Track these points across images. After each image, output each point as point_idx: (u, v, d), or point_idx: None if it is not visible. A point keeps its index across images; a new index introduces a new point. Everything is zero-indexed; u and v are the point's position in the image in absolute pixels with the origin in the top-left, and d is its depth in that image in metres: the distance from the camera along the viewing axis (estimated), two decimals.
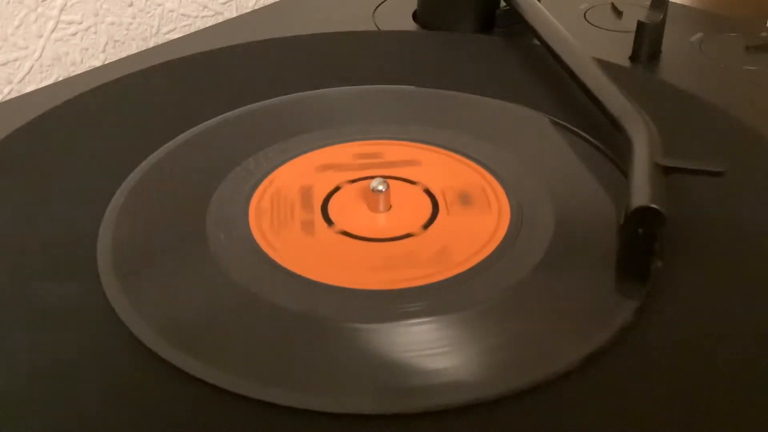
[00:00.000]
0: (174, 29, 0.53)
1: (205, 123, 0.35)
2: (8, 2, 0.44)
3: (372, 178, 0.31)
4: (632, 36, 0.42)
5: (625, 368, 0.24)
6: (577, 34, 0.39)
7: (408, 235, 0.29)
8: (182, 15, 0.53)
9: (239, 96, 0.37)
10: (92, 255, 0.28)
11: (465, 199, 0.30)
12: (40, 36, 0.46)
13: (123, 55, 0.48)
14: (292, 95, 0.38)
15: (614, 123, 0.33)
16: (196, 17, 0.53)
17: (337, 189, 0.31)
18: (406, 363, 0.24)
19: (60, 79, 0.47)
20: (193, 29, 0.53)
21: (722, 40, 0.44)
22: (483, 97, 0.37)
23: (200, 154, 0.34)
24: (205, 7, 0.53)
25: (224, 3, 0.55)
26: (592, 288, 0.27)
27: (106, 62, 0.47)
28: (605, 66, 0.37)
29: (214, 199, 0.31)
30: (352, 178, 0.32)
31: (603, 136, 0.34)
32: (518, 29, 0.45)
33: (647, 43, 0.42)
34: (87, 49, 0.49)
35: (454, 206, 0.30)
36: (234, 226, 0.30)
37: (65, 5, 0.47)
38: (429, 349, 0.24)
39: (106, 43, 0.49)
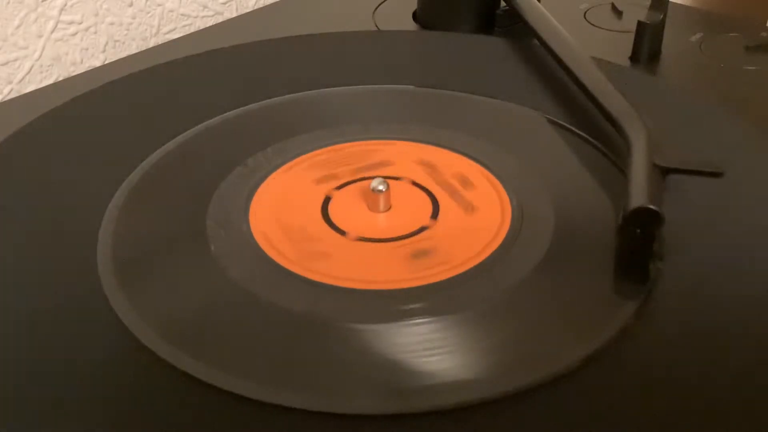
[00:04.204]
0: (174, 29, 0.53)
1: (206, 123, 0.35)
2: (8, 2, 0.44)
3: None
4: (632, 36, 0.42)
5: (625, 368, 0.24)
6: (577, 34, 0.39)
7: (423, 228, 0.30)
8: (182, 15, 0.53)
9: (239, 96, 0.37)
10: (92, 255, 0.28)
11: (463, 181, 0.29)
12: (40, 36, 0.46)
13: (123, 55, 0.48)
14: (292, 95, 0.38)
15: (613, 123, 0.33)
16: (196, 17, 0.53)
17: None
18: (406, 363, 0.24)
19: (60, 79, 0.47)
20: (193, 29, 0.53)
21: (722, 40, 0.44)
22: (483, 97, 0.37)
23: (200, 154, 0.34)
24: (205, 7, 0.54)
25: (224, 3, 0.55)
26: (591, 288, 0.27)
27: (106, 62, 0.47)
28: (605, 66, 0.37)
29: (215, 199, 0.31)
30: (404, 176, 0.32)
31: (603, 136, 0.34)
32: (518, 29, 0.45)
33: (647, 43, 0.42)
34: (87, 49, 0.49)
35: (456, 186, 0.31)
36: (234, 227, 0.30)
37: (65, 5, 0.47)
38: (429, 350, 0.24)
39: (106, 43, 0.49)
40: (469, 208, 0.31)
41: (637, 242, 0.28)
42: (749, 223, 0.29)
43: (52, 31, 0.47)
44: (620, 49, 0.43)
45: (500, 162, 0.33)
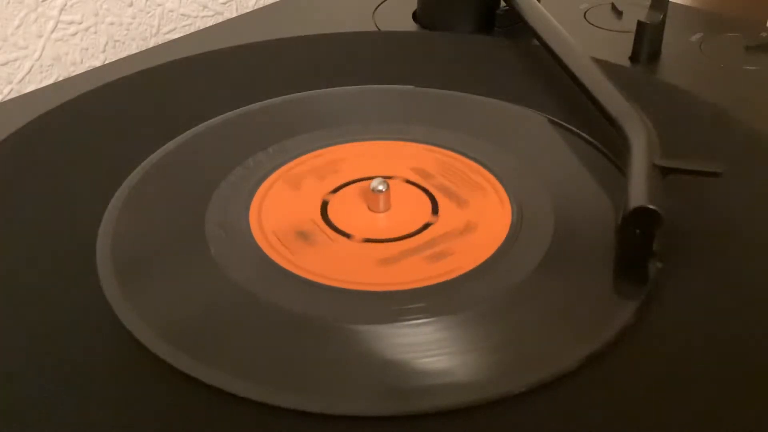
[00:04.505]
0: (174, 29, 0.53)
1: (206, 123, 0.35)
2: (8, 2, 0.44)
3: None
4: (632, 36, 0.42)
5: (624, 368, 0.24)
6: (577, 34, 0.39)
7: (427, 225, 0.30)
8: (182, 15, 0.53)
9: (239, 96, 0.37)
10: (92, 255, 0.28)
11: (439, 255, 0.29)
12: (40, 36, 0.46)
13: (123, 55, 0.48)
14: (292, 95, 0.38)
15: (613, 123, 0.33)
16: (196, 17, 0.53)
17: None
18: (406, 364, 0.24)
19: (60, 79, 0.47)
20: (193, 29, 0.53)
21: (722, 40, 0.44)
22: (483, 97, 0.37)
23: (200, 155, 0.34)
24: (205, 7, 0.54)
25: (224, 3, 0.55)
26: (591, 288, 0.27)
27: (106, 62, 0.47)
28: (605, 66, 0.37)
29: (214, 199, 0.31)
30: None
31: (603, 136, 0.34)
32: (518, 29, 0.45)
33: (647, 43, 0.42)
34: (87, 49, 0.49)
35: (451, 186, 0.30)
36: (234, 226, 0.30)
37: (65, 5, 0.47)
38: (429, 350, 0.24)
39: (106, 43, 0.49)
40: (464, 204, 0.31)
41: (637, 242, 0.28)
42: (749, 223, 0.29)
43: (52, 31, 0.47)
44: (620, 49, 0.43)
45: (500, 162, 0.33)
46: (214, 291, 0.27)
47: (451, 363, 0.24)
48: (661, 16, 0.41)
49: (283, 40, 0.43)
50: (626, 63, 0.42)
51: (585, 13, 0.47)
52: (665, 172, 0.29)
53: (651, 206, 0.26)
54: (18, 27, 0.45)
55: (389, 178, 0.32)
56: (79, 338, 0.25)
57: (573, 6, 0.48)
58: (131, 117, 0.36)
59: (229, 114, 0.36)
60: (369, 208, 0.30)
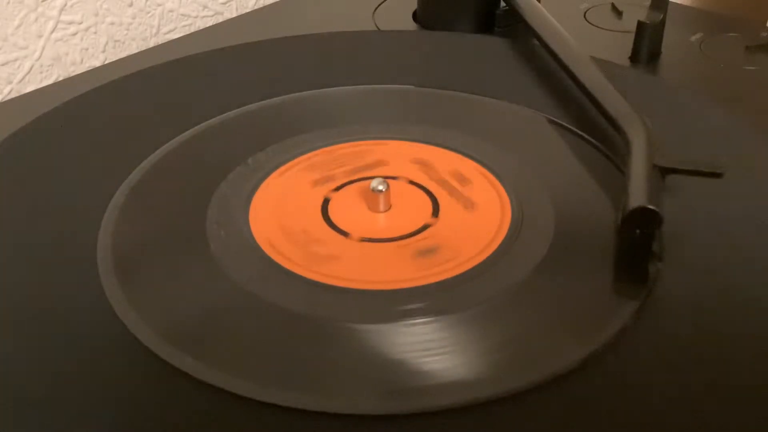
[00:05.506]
0: (174, 29, 0.53)
1: (206, 123, 0.35)
2: (8, 2, 0.44)
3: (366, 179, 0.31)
4: (632, 36, 0.42)
5: (624, 368, 0.24)
6: (577, 34, 0.39)
7: (426, 226, 0.29)
8: (182, 15, 0.53)
9: (239, 96, 0.37)
10: (92, 255, 0.28)
11: (460, 179, 0.30)
12: (40, 36, 0.46)
13: (123, 55, 0.49)
14: (292, 95, 0.38)
15: (613, 124, 0.33)
16: (196, 17, 0.53)
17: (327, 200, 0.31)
18: (405, 363, 0.24)
19: (60, 79, 0.47)
20: (193, 29, 0.53)
21: (722, 40, 0.44)
22: (483, 97, 0.37)
23: (200, 154, 0.34)
24: (205, 7, 0.54)
25: (224, 3, 0.55)
26: (591, 288, 0.27)
27: (106, 62, 0.47)
28: (605, 66, 0.37)
29: (215, 199, 0.31)
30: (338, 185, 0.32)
31: (603, 136, 0.34)
32: (518, 29, 0.45)
33: (647, 43, 0.42)
34: (87, 49, 0.49)
35: (453, 183, 0.31)
36: (234, 226, 0.30)
37: (65, 5, 0.47)
38: (429, 350, 0.24)
39: (106, 43, 0.49)
40: (468, 205, 0.31)
41: (637, 242, 0.28)
42: (749, 223, 0.29)
43: (52, 31, 0.47)
44: (620, 49, 0.43)
45: (500, 162, 0.33)
46: (215, 291, 0.27)
47: (451, 362, 0.24)
48: (661, 16, 0.41)
49: (283, 40, 0.43)
50: (626, 63, 0.42)
51: (585, 13, 0.47)
52: (665, 172, 0.29)
53: (650, 206, 0.26)
54: (18, 27, 0.45)
55: (391, 178, 0.32)
56: (79, 338, 0.25)
57: (573, 6, 0.48)
58: (131, 117, 0.36)
59: (229, 114, 0.36)
60: (369, 208, 0.30)
